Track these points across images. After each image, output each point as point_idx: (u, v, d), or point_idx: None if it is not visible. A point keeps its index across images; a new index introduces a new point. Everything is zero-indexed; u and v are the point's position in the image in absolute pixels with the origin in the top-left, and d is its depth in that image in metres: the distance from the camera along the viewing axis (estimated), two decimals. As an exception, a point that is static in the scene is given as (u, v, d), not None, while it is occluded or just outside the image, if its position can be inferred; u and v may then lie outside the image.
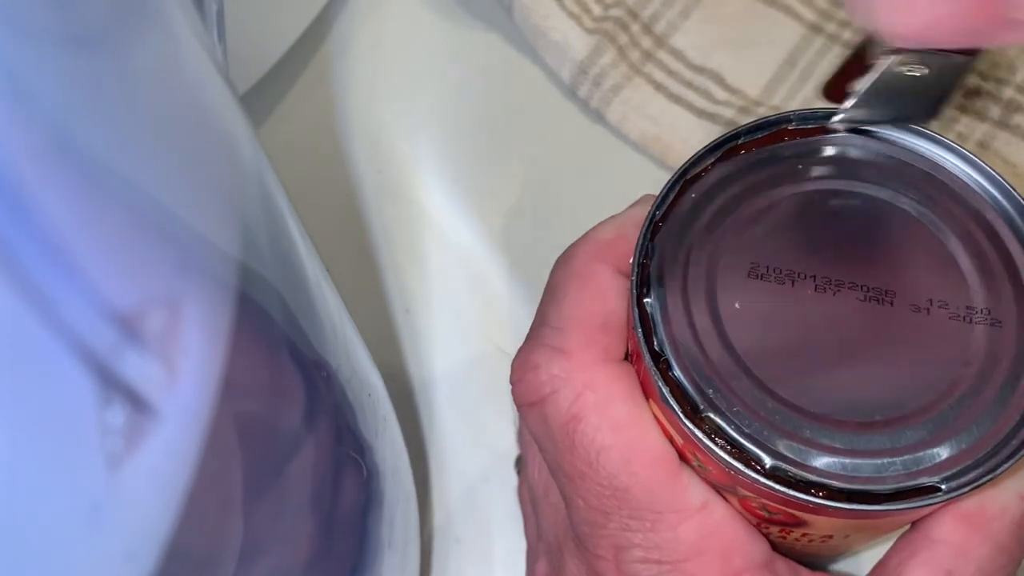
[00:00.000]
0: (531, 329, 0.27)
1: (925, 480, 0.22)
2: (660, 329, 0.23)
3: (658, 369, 0.22)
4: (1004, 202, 0.24)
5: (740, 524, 0.25)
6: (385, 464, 0.27)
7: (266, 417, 0.19)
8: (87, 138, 0.13)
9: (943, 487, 0.22)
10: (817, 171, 0.24)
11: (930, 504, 0.22)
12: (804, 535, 0.25)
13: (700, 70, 0.39)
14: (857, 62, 0.24)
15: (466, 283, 0.39)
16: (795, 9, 0.40)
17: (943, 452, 0.22)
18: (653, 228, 0.24)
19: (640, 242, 0.24)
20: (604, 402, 0.24)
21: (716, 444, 0.22)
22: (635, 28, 0.40)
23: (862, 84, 0.23)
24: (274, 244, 0.19)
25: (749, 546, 0.25)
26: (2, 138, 0.11)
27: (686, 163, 0.24)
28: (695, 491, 0.24)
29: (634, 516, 0.24)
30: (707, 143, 0.25)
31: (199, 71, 0.18)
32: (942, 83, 0.23)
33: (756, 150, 0.25)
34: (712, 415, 0.22)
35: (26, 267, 0.12)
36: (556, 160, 0.40)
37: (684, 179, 0.24)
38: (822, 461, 0.22)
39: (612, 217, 0.28)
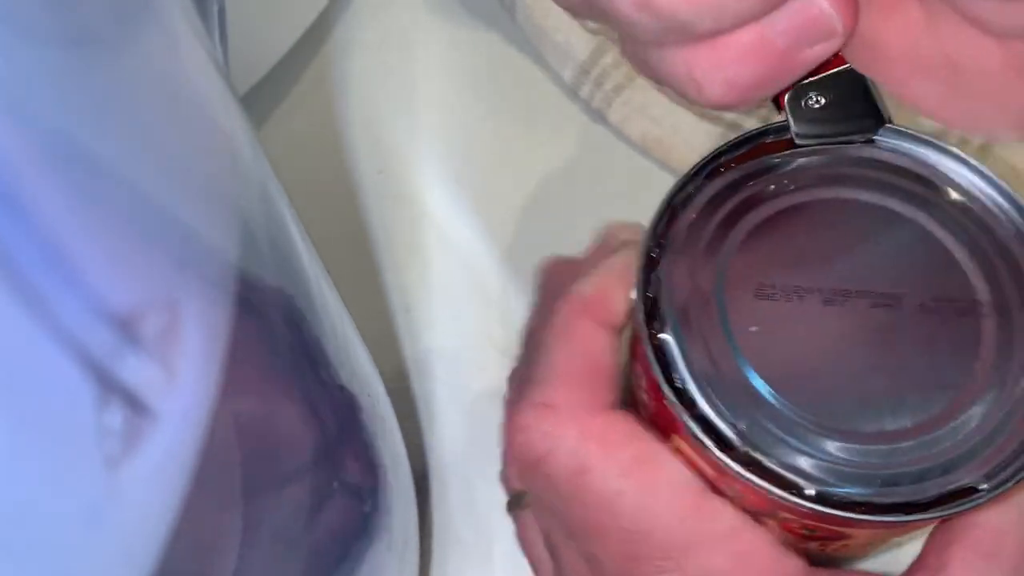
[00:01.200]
0: (517, 391, 0.27)
1: (965, 482, 0.22)
2: (679, 364, 0.22)
3: (683, 405, 0.22)
4: (997, 196, 0.24)
5: (772, 546, 0.24)
6: (384, 465, 0.27)
7: (265, 418, 0.19)
8: (85, 139, 0.13)
9: (983, 487, 0.22)
10: (803, 181, 0.24)
11: (973, 505, 0.21)
12: (844, 545, 0.25)
13: (702, 71, 0.39)
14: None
15: (466, 283, 0.39)
16: (797, 10, 0.40)
17: (977, 451, 0.22)
18: (650, 261, 0.24)
19: (639, 278, 0.23)
20: (607, 450, 0.24)
21: (755, 475, 0.22)
22: (637, 29, 0.40)
23: (790, 125, 0.23)
24: (274, 245, 0.19)
25: (783, 566, 0.24)
26: (0, 139, 0.11)
27: (672, 190, 0.24)
28: (721, 518, 0.24)
29: (663, 556, 0.24)
30: (690, 166, 0.25)
31: (199, 71, 0.18)
32: (854, 96, 0.23)
33: (739, 166, 0.25)
34: (748, 449, 0.22)
35: (24, 269, 0.12)
36: (557, 161, 0.40)
37: (672, 205, 0.24)
38: (852, 477, 0.22)
39: (592, 272, 0.28)
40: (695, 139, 0.38)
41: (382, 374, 0.29)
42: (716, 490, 0.24)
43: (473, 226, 0.39)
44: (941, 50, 0.18)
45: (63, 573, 0.13)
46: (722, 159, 0.25)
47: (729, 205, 0.24)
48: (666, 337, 0.22)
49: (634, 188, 0.39)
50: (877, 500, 0.21)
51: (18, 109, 0.12)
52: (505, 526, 0.35)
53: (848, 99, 0.23)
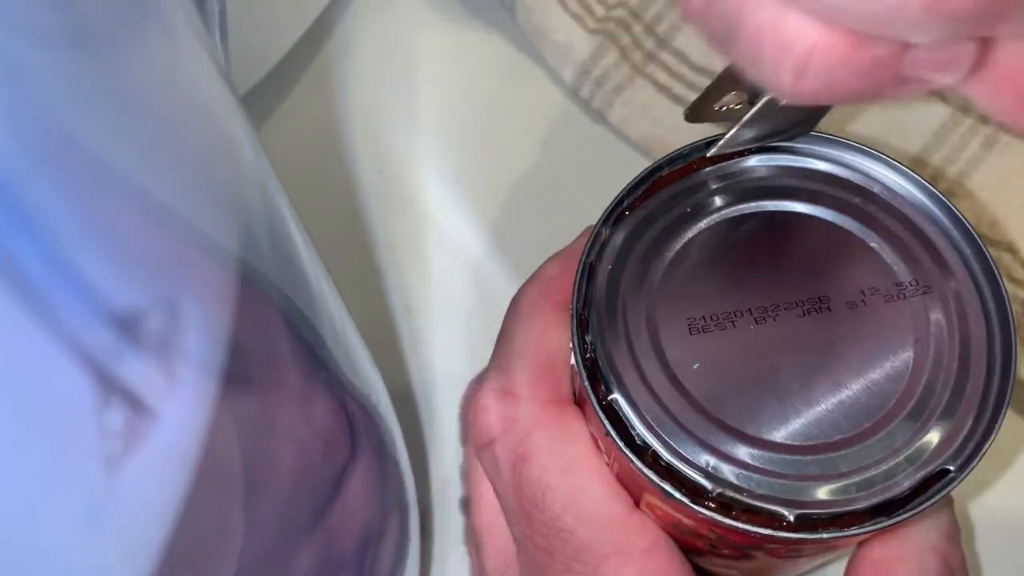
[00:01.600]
0: (485, 370, 0.27)
1: (935, 466, 0.22)
2: (635, 422, 0.22)
3: (647, 463, 0.22)
4: (906, 184, 0.24)
5: (684, 572, 0.24)
6: (385, 463, 0.27)
7: (265, 419, 0.19)
8: (86, 140, 0.13)
9: (952, 468, 0.22)
10: (728, 197, 0.24)
11: (946, 491, 0.21)
12: (795, 559, 0.25)
13: (703, 71, 0.39)
14: (721, 85, 0.24)
15: (467, 283, 0.39)
16: (798, 10, 0.40)
17: (937, 435, 0.22)
18: (589, 270, 0.24)
19: (576, 289, 0.23)
20: (551, 443, 0.24)
21: (731, 518, 0.21)
22: (638, 29, 0.39)
23: (747, 115, 0.23)
24: (274, 245, 0.19)
25: None
26: (1, 140, 0.11)
27: (586, 245, 0.24)
28: (643, 535, 0.24)
29: (578, 558, 0.24)
30: (632, 179, 0.25)
31: (199, 71, 0.18)
32: (823, 109, 0.23)
33: (641, 204, 0.25)
34: (722, 490, 0.22)
35: (25, 269, 0.12)
36: (558, 161, 0.40)
37: (588, 263, 0.24)
38: (837, 491, 0.22)
39: (556, 254, 0.28)
40: (695, 139, 0.38)
41: (382, 374, 0.29)
42: (697, 534, 0.24)
43: (474, 226, 0.39)
44: None
45: (63, 573, 0.13)
46: (663, 172, 0.25)
47: (640, 249, 0.24)
48: (615, 397, 0.22)
49: (612, 198, 0.39)
50: (859, 508, 0.21)
51: (19, 109, 0.12)
52: (505, 526, 0.35)
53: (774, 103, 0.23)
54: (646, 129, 0.38)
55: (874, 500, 0.21)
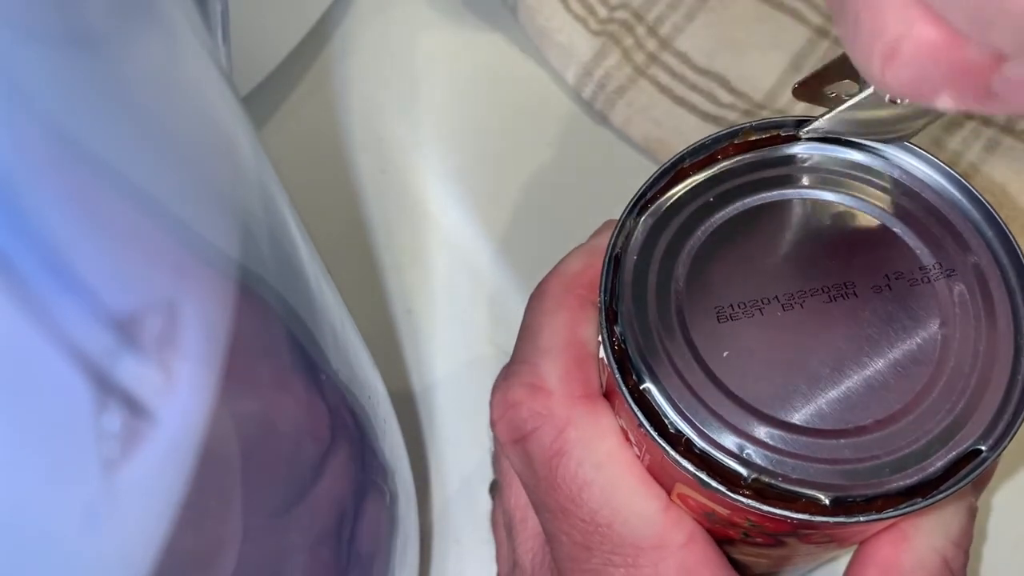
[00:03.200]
0: (509, 365, 0.27)
1: (967, 446, 0.22)
2: (668, 411, 0.22)
3: (682, 453, 0.22)
4: (925, 168, 0.24)
5: (719, 563, 0.25)
6: (385, 464, 0.27)
7: (264, 421, 0.19)
8: (86, 141, 0.13)
9: (984, 448, 0.22)
10: (750, 186, 0.24)
11: (979, 471, 0.22)
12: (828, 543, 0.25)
13: (705, 73, 0.39)
14: (838, 69, 0.24)
15: (468, 284, 0.39)
16: (801, 12, 0.40)
17: (968, 415, 0.22)
18: (615, 263, 0.24)
19: (603, 282, 0.23)
20: (586, 438, 0.24)
21: (767, 504, 0.21)
22: (640, 30, 0.39)
23: (847, 104, 0.23)
24: (275, 246, 0.19)
25: None
26: None
27: (637, 192, 0.24)
28: (680, 528, 0.24)
29: (616, 552, 0.24)
30: (658, 168, 0.25)
31: (201, 72, 0.18)
32: (921, 113, 0.23)
33: (697, 172, 0.25)
34: (758, 475, 0.22)
35: (22, 271, 0.12)
36: (560, 162, 0.40)
37: (614, 255, 0.24)
38: (871, 473, 0.22)
39: (578, 248, 0.28)
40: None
41: (383, 374, 0.29)
42: (731, 523, 0.24)
43: (475, 227, 0.39)
44: None
45: (61, 574, 0.13)
46: (648, 194, 0.25)
47: (665, 240, 0.24)
48: (647, 387, 0.22)
49: (636, 189, 0.39)
50: (892, 489, 0.21)
51: (16, 110, 0.12)
52: (505, 528, 0.35)
53: (918, 107, 0.23)
54: (648, 130, 0.38)
55: (908, 481, 0.22)
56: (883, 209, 0.24)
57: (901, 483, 0.22)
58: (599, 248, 0.27)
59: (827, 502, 0.21)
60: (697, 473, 0.22)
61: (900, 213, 0.24)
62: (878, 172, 0.25)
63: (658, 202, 0.24)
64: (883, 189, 0.24)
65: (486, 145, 0.41)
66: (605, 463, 0.24)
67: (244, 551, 0.17)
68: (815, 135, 0.24)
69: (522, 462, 0.26)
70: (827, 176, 0.25)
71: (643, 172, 0.39)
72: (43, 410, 0.12)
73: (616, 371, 0.22)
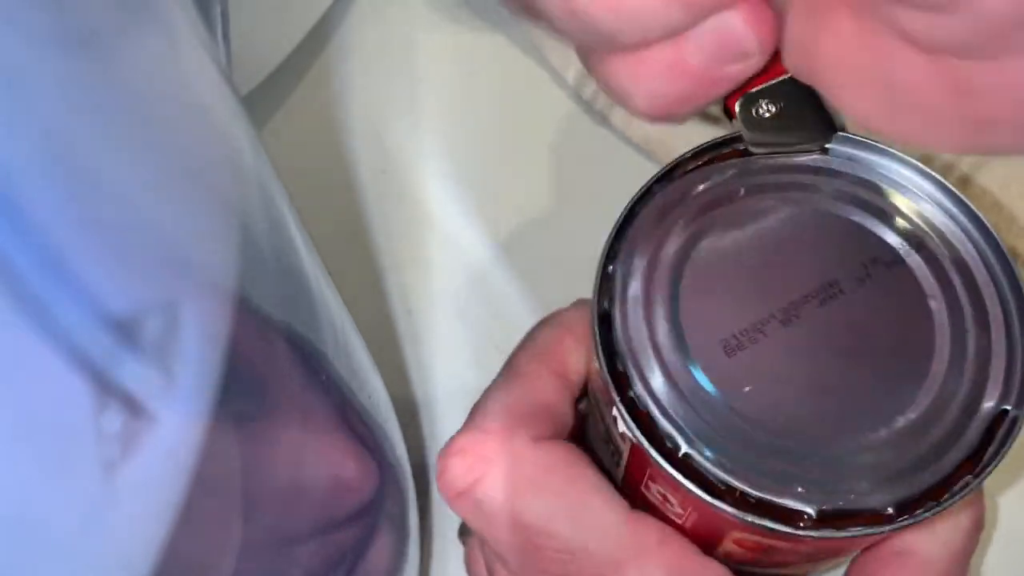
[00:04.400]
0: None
1: (993, 405, 0.22)
2: (678, 437, 0.22)
3: (721, 498, 0.21)
4: (859, 152, 0.25)
5: (696, 553, 0.24)
6: (385, 465, 0.27)
7: (264, 421, 0.19)
8: (84, 141, 0.13)
9: (1009, 406, 0.22)
10: (712, 205, 0.25)
11: (1018, 430, 0.22)
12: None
13: (705, 73, 0.39)
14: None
15: (468, 284, 0.39)
16: (801, 13, 0.40)
17: (988, 374, 0.22)
18: (605, 321, 0.23)
19: (617, 394, 0.23)
20: (538, 473, 0.24)
21: (836, 529, 0.21)
22: (640, 31, 0.39)
23: (737, 127, 0.23)
24: (274, 247, 0.19)
25: (709, 571, 0.24)
26: (-1, 143, 0.11)
27: (605, 249, 0.24)
28: (649, 531, 0.24)
29: (600, 570, 0.24)
30: (627, 202, 0.25)
31: (200, 72, 0.18)
32: (804, 104, 0.23)
33: (661, 196, 0.25)
34: (819, 507, 0.21)
35: (22, 272, 0.12)
36: (560, 162, 0.40)
37: (614, 254, 0.24)
38: (921, 462, 0.22)
39: (549, 320, 0.28)
40: (698, 141, 0.38)
41: (383, 375, 0.29)
42: (794, 552, 0.24)
43: (475, 227, 0.39)
44: (874, 63, 0.18)
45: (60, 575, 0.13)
46: (618, 243, 0.25)
47: (648, 281, 0.24)
48: (688, 452, 0.22)
49: (637, 190, 0.39)
50: (943, 475, 0.22)
51: (15, 111, 0.12)
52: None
53: (799, 107, 0.23)
54: (648, 131, 0.38)
55: (957, 459, 0.22)
56: (851, 203, 0.24)
57: (952, 464, 0.22)
58: (567, 324, 0.28)
59: (892, 511, 0.21)
60: (761, 522, 0.21)
61: (866, 206, 0.24)
62: (813, 168, 0.25)
63: (628, 246, 0.24)
64: (824, 182, 0.25)
65: (486, 145, 0.41)
66: (564, 491, 0.24)
67: (242, 551, 0.17)
68: (756, 151, 0.24)
69: (475, 514, 0.25)
70: (782, 181, 0.25)
71: (644, 173, 0.39)
72: (43, 411, 0.12)
73: (647, 443, 0.22)
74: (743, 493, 0.21)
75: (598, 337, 0.23)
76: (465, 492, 0.25)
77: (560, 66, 0.40)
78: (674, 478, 0.21)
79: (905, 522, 0.21)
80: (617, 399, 0.22)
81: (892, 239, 0.24)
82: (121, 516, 0.14)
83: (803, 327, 0.23)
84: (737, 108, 0.23)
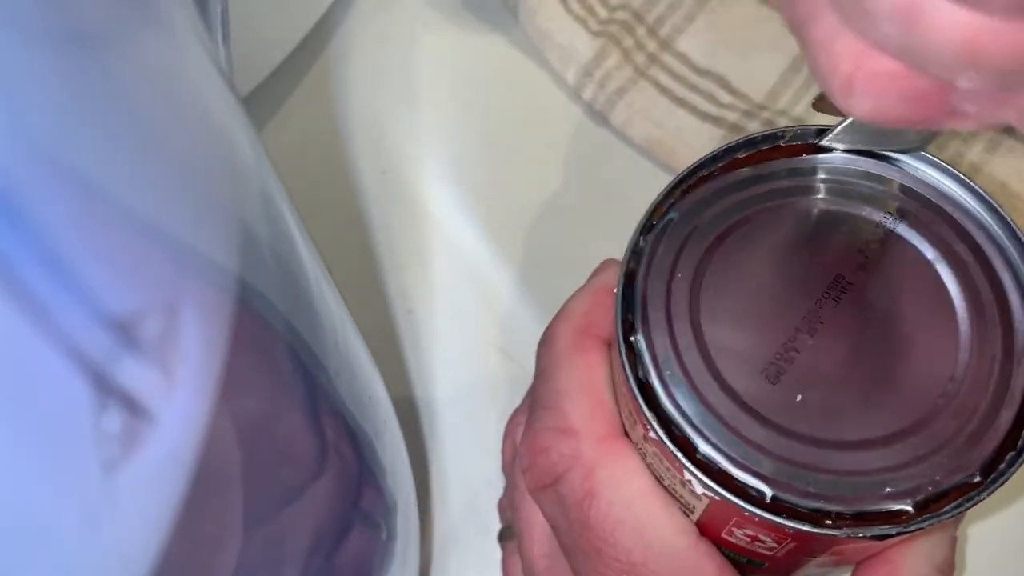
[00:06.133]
0: (530, 413, 0.27)
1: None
2: (760, 484, 0.22)
3: (767, 507, 0.22)
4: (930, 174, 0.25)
5: None
6: (386, 465, 0.27)
7: (264, 422, 0.19)
8: (84, 141, 0.13)
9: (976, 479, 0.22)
10: (716, 223, 0.24)
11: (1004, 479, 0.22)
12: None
13: (705, 73, 0.39)
14: None
15: (469, 284, 0.39)
16: (801, 13, 0.40)
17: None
18: (642, 387, 0.23)
19: (621, 331, 0.23)
20: (615, 478, 0.25)
21: (863, 526, 0.21)
22: (640, 31, 0.39)
23: (844, 119, 0.23)
24: (275, 247, 0.19)
25: None
26: (-1, 143, 0.11)
27: (639, 226, 0.24)
28: (710, 559, 0.24)
29: None
30: (660, 192, 0.25)
31: (200, 73, 0.18)
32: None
33: (703, 186, 0.25)
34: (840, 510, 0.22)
35: (22, 273, 0.12)
36: (560, 162, 0.40)
37: (636, 264, 0.24)
38: (948, 458, 0.22)
39: (581, 289, 0.28)
40: (697, 141, 0.38)
41: (383, 375, 0.29)
42: (830, 552, 0.24)
43: (475, 227, 0.39)
44: None
45: (60, 575, 0.13)
46: (702, 171, 0.25)
47: (673, 300, 0.23)
48: (764, 491, 0.22)
49: (637, 190, 0.39)
50: (973, 471, 0.22)
51: (15, 112, 0.12)
52: (505, 528, 0.35)
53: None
54: (648, 131, 0.38)
55: (986, 454, 0.22)
56: (810, 187, 0.24)
57: (980, 459, 0.22)
58: (603, 286, 0.27)
59: (911, 509, 0.22)
60: (869, 532, 0.21)
61: (824, 186, 0.24)
62: (808, 170, 0.25)
63: (647, 259, 0.24)
64: (799, 167, 0.25)
65: (487, 145, 0.41)
66: (635, 502, 0.24)
67: (242, 551, 0.17)
68: (839, 147, 0.24)
69: (554, 506, 0.26)
70: (774, 188, 0.25)
71: (644, 173, 0.39)
72: (43, 411, 0.12)
73: (733, 497, 0.22)
74: (838, 513, 0.22)
75: (648, 411, 0.22)
76: (550, 486, 0.26)
77: (560, 67, 0.40)
78: (772, 521, 0.22)
79: (929, 519, 0.21)
80: (689, 465, 0.22)
81: (875, 215, 0.24)
82: (121, 516, 0.14)
83: (829, 331, 0.23)
84: None
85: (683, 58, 0.39)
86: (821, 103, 0.24)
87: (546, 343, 0.28)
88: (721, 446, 0.22)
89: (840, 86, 0.18)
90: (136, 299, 0.14)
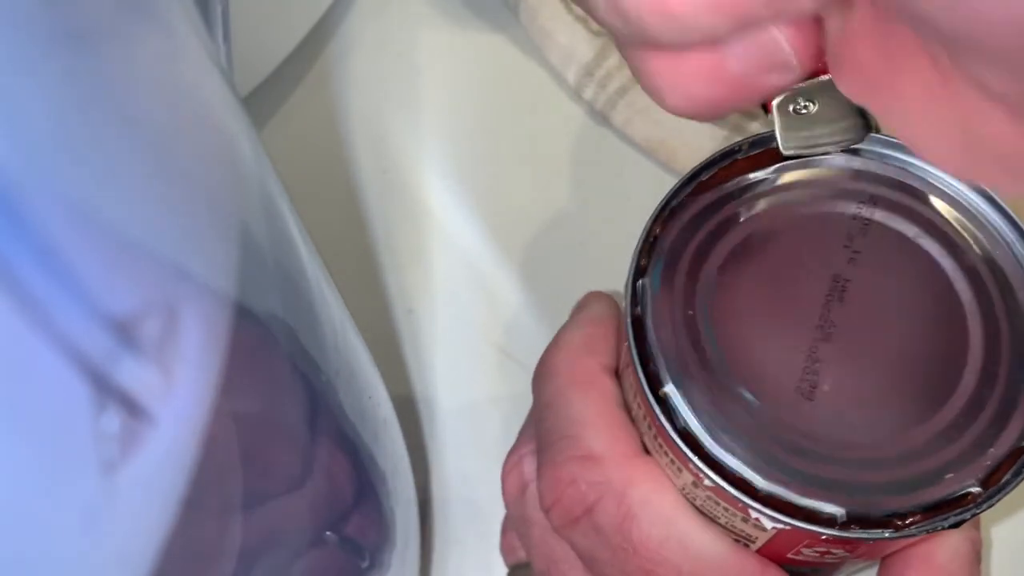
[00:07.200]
0: (545, 447, 0.27)
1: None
2: (796, 499, 0.22)
3: (839, 527, 0.22)
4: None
5: None
6: (385, 465, 0.27)
7: (263, 422, 0.19)
8: (84, 141, 0.13)
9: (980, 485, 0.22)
10: (715, 236, 0.25)
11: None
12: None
13: (706, 73, 0.39)
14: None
15: (469, 284, 0.39)
16: (802, 13, 0.40)
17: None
18: (686, 436, 0.22)
19: (647, 383, 0.23)
20: (649, 497, 0.24)
21: (909, 526, 0.21)
22: (641, 31, 0.39)
23: (777, 131, 0.23)
24: (274, 248, 0.19)
25: None
26: (-2, 143, 0.11)
27: (631, 270, 0.24)
28: (754, 561, 0.24)
29: None
30: (655, 208, 0.25)
31: (201, 72, 0.18)
32: (840, 102, 0.23)
33: (687, 211, 0.25)
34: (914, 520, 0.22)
35: (20, 273, 0.12)
36: (561, 162, 0.40)
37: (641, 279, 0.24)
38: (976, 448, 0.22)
39: (570, 322, 0.28)
40: (698, 142, 0.38)
41: (383, 375, 0.29)
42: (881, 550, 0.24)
43: (476, 227, 0.39)
44: (953, 113, 0.18)
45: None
46: (672, 202, 0.25)
47: (685, 332, 0.23)
48: (835, 512, 0.22)
49: (637, 190, 0.39)
50: (917, 504, 0.22)
51: (15, 112, 0.12)
52: (505, 528, 0.35)
53: (836, 106, 0.23)
54: (649, 131, 0.38)
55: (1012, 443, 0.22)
56: (835, 193, 0.25)
57: (1006, 447, 0.22)
58: (595, 316, 0.28)
59: (980, 488, 0.22)
60: (932, 526, 0.21)
61: (844, 192, 0.25)
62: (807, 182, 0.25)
63: (685, 213, 0.24)
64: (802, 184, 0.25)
65: (487, 145, 0.41)
66: (674, 516, 0.24)
67: (242, 553, 0.17)
68: (792, 152, 0.24)
69: (591, 537, 0.26)
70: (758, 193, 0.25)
71: (644, 173, 0.39)
72: (42, 411, 0.12)
73: (805, 524, 0.22)
74: (910, 511, 0.22)
75: (697, 460, 0.22)
76: (582, 517, 0.25)
77: (561, 66, 0.40)
78: (847, 538, 0.22)
79: (969, 510, 0.22)
80: (755, 504, 0.22)
81: (850, 208, 0.24)
82: (120, 516, 0.13)
83: (844, 332, 0.23)
84: (775, 105, 0.23)
85: (684, 58, 0.39)
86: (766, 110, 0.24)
87: (545, 376, 0.28)
88: (781, 478, 0.22)
89: (652, 94, 0.19)
90: (135, 299, 0.14)
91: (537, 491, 0.27)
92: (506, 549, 0.33)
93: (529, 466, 0.29)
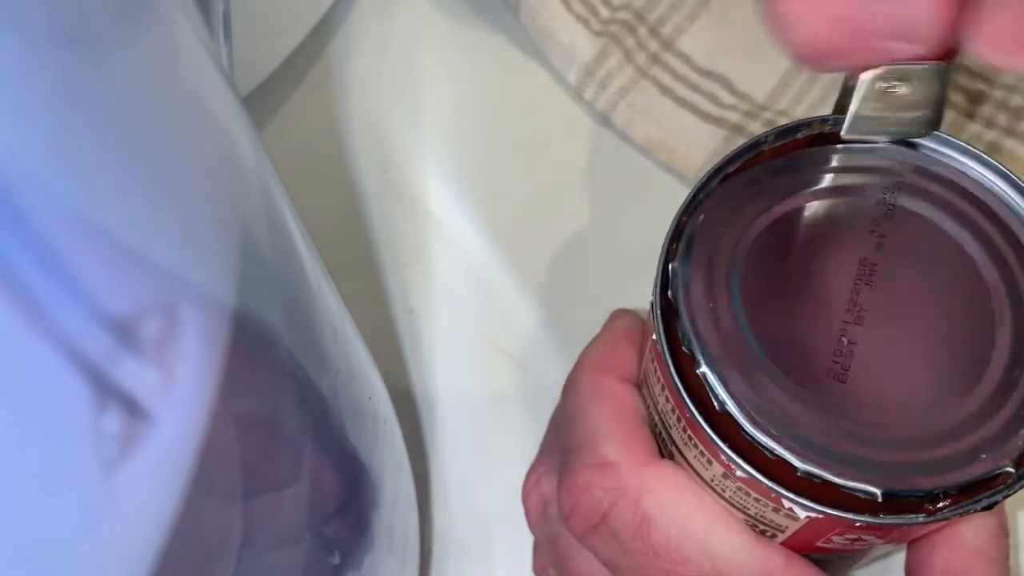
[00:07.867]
0: (565, 458, 0.27)
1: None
2: (837, 479, 0.21)
3: (879, 509, 0.21)
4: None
5: (816, 568, 0.25)
6: (385, 466, 0.27)
7: (263, 422, 0.19)
8: (84, 141, 0.13)
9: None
10: (740, 222, 0.24)
11: None
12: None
13: (707, 74, 0.39)
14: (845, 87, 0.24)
15: (470, 284, 0.39)
16: (802, 13, 0.40)
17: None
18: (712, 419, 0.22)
19: (674, 371, 0.23)
20: (666, 498, 0.24)
21: (944, 510, 0.21)
22: (642, 31, 0.39)
23: (852, 106, 0.23)
24: (274, 248, 0.19)
25: None
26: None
27: (661, 258, 0.24)
28: (776, 552, 0.24)
29: None
30: (684, 200, 0.25)
31: (201, 73, 0.18)
32: (929, 93, 0.23)
33: (715, 205, 0.25)
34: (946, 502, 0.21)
35: (20, 273, 0.12)
36: (561, 162, 0.40)
37: (667, 283, 0.24)
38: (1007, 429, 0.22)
39: (596, 338, 0.29)
40: (699, 142, 0.38)
41: (383, 374, 0.29)
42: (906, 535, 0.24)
43: (476, 227, 0.39)
44: None
45: (60, 576, 0.13)
46: (702, 192, 0.25)
47: (719, 318, 0.23)
48: (863, 489, 0.22)
49: (638, 190, 0.39)
50: (953, 483, 0.21)
51: (15, 111, 0.12)
52: (505, 529, 0.35)
53: (924, 94, 0.23)
54: (650, 131, 0.38)
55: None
56: (821, 188, 0.25)
57: (965, 479, 0.22)
58: (618, 331, 0.28)
59: (1013, 469, 0.21)
60: (899, 520, 0.21)
61: (861, 170, 0.25)
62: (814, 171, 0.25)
63: (679, 265, 0.24)
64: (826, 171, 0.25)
65: (488, 145, 0.41)
66: (693, 515, 0.24)
67: (242, 552, 0.17)
68: (853, 138, 0.24)
69: (608, 544, 0.26)
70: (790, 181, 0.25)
71: (645, 173, 0.39)
72: (42, 411, 0.12)
73: (841, 512, 0.22)
74: (944, 494, 0.21)
75: (729, 451, 0.22)
76: (599, 524, 0.25)
77: (562, 66, 0.40)
78: (881, 524, 0.21)
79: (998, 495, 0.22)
80: (788, 493, 0.22)
81: (875, 194, 0.24)
82: (120, 516, 0.13)
83: (874, 316, 0.23)
84: (869, 77, 0.22)
85: (685, 58, 0.39)
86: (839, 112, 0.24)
87: (569, 391, 0.28)
88: (819, 458, 0.21)
89: (778, 24, 0.19)
90: (135, 299, 0.14)
91: (557, 502, 0.27)
92: (538, 568, 0.33)
93: (548, 484, 0.29)
